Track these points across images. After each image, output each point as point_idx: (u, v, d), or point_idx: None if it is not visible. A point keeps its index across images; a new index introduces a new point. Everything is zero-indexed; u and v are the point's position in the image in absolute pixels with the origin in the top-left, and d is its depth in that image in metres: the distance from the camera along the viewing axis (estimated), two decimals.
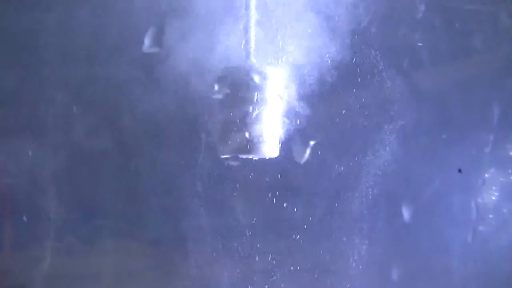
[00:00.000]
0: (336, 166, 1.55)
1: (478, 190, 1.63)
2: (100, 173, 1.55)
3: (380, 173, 1.56)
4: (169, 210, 1.56)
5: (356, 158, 1.55)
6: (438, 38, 1.59)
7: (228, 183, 1.53)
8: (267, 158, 1.42)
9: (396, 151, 1.56)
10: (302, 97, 1.50)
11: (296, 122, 1.49)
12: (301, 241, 1.55)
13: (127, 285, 1.56)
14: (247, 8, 1.42)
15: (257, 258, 1.54)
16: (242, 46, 1.42)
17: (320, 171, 1.55)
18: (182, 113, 1.50)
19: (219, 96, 1.41)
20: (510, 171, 1.65)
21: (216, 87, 1.41)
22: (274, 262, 1.54)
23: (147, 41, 1.47)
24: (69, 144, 1.53)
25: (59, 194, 1.52)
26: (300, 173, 1.53)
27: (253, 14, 1.42)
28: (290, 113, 1.48)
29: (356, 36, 1.52)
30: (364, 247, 1.56)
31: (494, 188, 1.64)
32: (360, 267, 1.56)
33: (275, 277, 1.54)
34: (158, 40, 1.47)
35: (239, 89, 1.38)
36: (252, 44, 1.42)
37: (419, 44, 1.57)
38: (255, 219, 1.53)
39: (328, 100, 1.53)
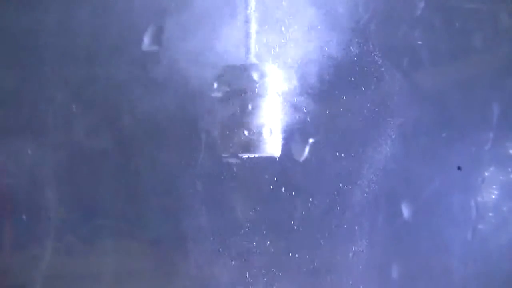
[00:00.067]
0: (336, 164, 1.55)
1: (478, 188, 1.63)
2: (100, 172, 1.55)
3: (380, 172, 1.56)
4: (169, 210, 1.56)
5: (356, 157, 1.55)
6: (437, 36, 1.59)
7: (228, 182, 1.53)
8: (267, 156, 1.42)
9: (396, 149, 1.56)
10: (301, 95, 1.50)
11: (295, 120, 1.49)
12: (301, 240, 1.55)
13: (127, 285, 1.56)
14: (246, 5, 1.42)
15: (257, 258, 1.53)
16: (242, 44, 1.42)
17: (320, 169, 1.55)
18: (182, 112, 1.50)
19: (219, 95, 1.41)
20: (510, 169, 1.65)
21: (215, 85, 1.42)
22: (274, 261, 1.54)
23: (146, 39, 1.47)
24: (69, 143, 1.54)
25: (59, 194, 1.52)
26: (299, 171, 1.53)
27: (253, 12, 1.42)
28: (290, 111, 1.48)
29: (355, 34, 1.52)
30: (363, 245, 1.56)
31: (494, 186, 1.63)
32: (360, 265, 1.56)
33: (275, 276, 1.54)
34: (157, 38, 1.47)
35: (239, 87, 1.39)
36: (252, 42, 1.42)
37: (419, 42, 1.57)
38: (255, 218, 1.53)
39: (328, 98, 1.53)
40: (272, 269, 1.54)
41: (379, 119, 1.55)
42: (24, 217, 1.52)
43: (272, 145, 1.41)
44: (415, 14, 1.56)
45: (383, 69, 1.54)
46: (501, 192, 1.64)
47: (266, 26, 1.46)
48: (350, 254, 1.56)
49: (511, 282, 1.64)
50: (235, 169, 1.51)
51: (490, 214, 1.64)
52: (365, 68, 1.53)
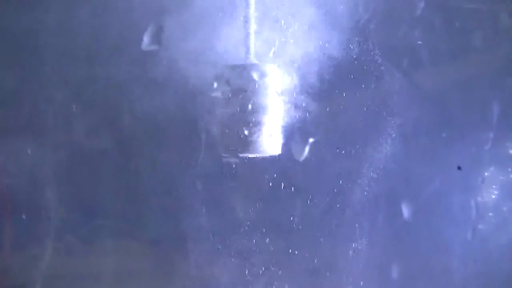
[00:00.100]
0: (336, 163, 1.55)
1: (478, 188, 1.63)
2: (100, 172, 1.55)
3: (380, 171, 1.56)
4: (169, 210, 1.56)
5: (356, 156, 1.55)
6: (437, 36, 1.59)
7: (228, 182, 1.53)
8: (267, 156, 1.42)
9: (396, 149, 1.56)
10: (301, 95, 1.50)
11: (295, 119, 1.49)
12: (301, 239, 1.55)
13: (127, 284, 1.56)
14: (246, 5, 1.42)
15: (257, 257, 1.53)
16: (242, 44, 1.42)
17: (320, 168, 1.55)
18: (182, 112, 1.50)
19: (219, 94, 1.41)
20: (510, 169, 1.65)
21: (215, 85, 1.42)
22: (274, 260, 1.54)
23: (146, 39, 1.47)
24: (69, 143, 1.54)
25: (59, 194, 1.52)
26: (299, 171, 1.53)
27: (253, 12, 1.42)
28: (290, 111, 1.48)
29: (356, 33, 1.52)
30: (363, 244, 1.56)
31: (494, 186, 1.63)
32: (360, 264, 1.56)
33: (275, 276, 1.54)
34: (157, 38, 1.47)
35: (239, 87, 1.39)
36: (252, 42, 1.42)
37: (419, 42, 1.57)
38: (255, 217, 1.53)
39: (328, 98, 1.53)
40: (272, 268, 1.54)
41: (379, 119, 1.55)
42: (24, 217, 1.52)
43: (272, 145, 1.41)
44: (415, 14, 1.56)
45: (383, 68, 1.54)
46: (501, 192, 1.64)
47: (266, 25, 1.46)
48: (350, 253, 1.56)
49: (511, 282, 1.64)
50: (235, 168, 1.51)
51: (490, 214, 1.64)
52: (365, 68, 1.53)
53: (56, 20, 1.50)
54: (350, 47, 1.51)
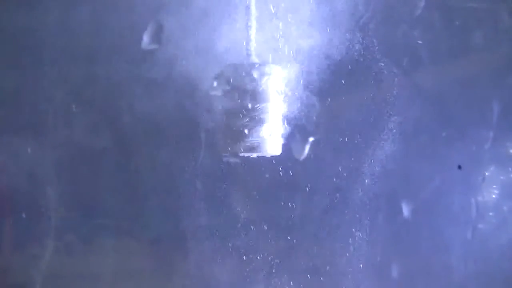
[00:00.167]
0: (336, 163, 1.55)
1: (478, 188, 1.63)
2: (99, 172, 1.55)
3: (380, 171, 1.56)
4: (169, 209, 1.56)
5: (356, 155, 1.55)
6: (438, 35, 1.59)
7: (228, 181, 1.53)
8: (268, 155, 1.42)
9: (396, 148, 1.56)
10: (301, 94, 1.50)
11: (295, 119, 1.49)
12: (301, 239, 1.55)
13: (127, 284, 1.56)
14: (247, 4, 1.42)
15: (257, 256, 1.53)
16: (242, 43, 1.42)
17: (320, 168, 1.55)
18: (182, 111, 1.50)
19: (219, 94, 1.41)
20: (510, 169, 1.65)
21: (215, 84, 1.41)
22: (274, 259, 1.54)
23: (146, 38, 1.47)
24: (69, 143, 1.53)
25: (59, 193, 1.52)
26: (299, 170, 1.53)
27: (253, 11, 1.42)
28: (290, 110, 1.48)
29: (356, 33, 1.52)
30: (363, 244, 1.56)
31: (494, 186, 1.63)
32: (360, 264, 1.56)
33: (275, 275, 1.54)
34: (157, 37, 1.47)
35: (239, 86, 1.38)
36: (253, 41, 1.42)
37: (419, 42, 1.57)
38: (255, 217, 1.53)
39: (328, 97, 1.53)
40: (272, 267, 1.54)
41: (379, 118, 1.55)
42: (24, 216, 1.51)
43: (272, 144, 1.41)
44: (416, 13, 1.56)
45: (383, 68, 1.54)
46: (501, 192, 1.64)
47: (267, 25, 1.46)
48: (350, 252, 1.56)
49: (511, 281, 1.64)
50: (235, 168, 1.51)
51: (490, 213, 1.64)
52: (366, 67, 1.53)
53: (56, 20, 1.50)
54: (351, 46, 1.51)
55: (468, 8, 1.60)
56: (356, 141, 1.55)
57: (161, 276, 1.56)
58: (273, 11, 1.47)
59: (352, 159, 1.55)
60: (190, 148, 1.51)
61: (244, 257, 1.53)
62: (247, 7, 1.42)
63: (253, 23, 1.42)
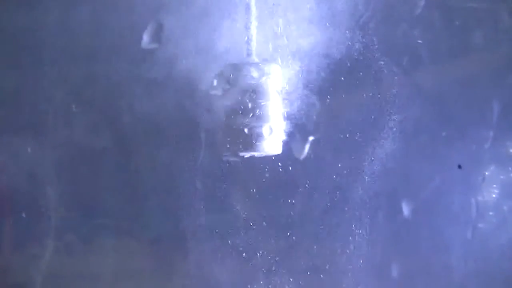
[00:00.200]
0: (336, 162, 1.55)
1: (478, 187, 1.63)
2: (99, 171, 1.55)
3: (380, 170, 1.56)
4: (169, 209, 1.56)
5: (356, 155, 1.55)
6: (438, 35, 1.59)
7: (228, 180, 1.53)
8: (268, 154, 1.42)
9: (396, 147, 1.56)
10: (301, 93, 1.50)
11: (295, 118, 1.49)
12: (301, 237, 1.55)
13: (127, 283, 1.56)
14: (247, 4, 1.42)
15: (257, 256, 1.53)
16: (242, 42, 1.43)
17: (320, 167, 1.55)
18: (182, 111, 1.50)
19: (219, 93, 1.41)
20: (510, 168, 1.65)
21: (215, 84, 1.42)
22: (274, 258, 1.54)
23: (146, 37, 1.47)
24: (69, 142, 1.54)
25: (59, 193, 1.52)
26: (299, 169, 1.53)
27: (254, 10, 1.42)
28: (290, 109, 1.48)
29: (356, 32, 1.52)
30: (363, 243, 1.56)
31: (494, 185, 1.63)
32: (360, 263, 1.56)
33: (275, 274, 1.54)
34: (157, 36, 1.47)
35: (239, 86, 1.39)
36: (253, 41, 1.42)
37: (419, 41, 1.57)
38: (254, 216, 1.53)
39: (328, 96, 1.53)
40: (272, 266, 1.54)
41: (379, 117, 1.55)
42: (24, 216, 1.52)
43: (272, 144, 1.41)
44: (416, 12, 1.56)
45: (383, 67, 1.54)
46: (501, 191, 1.64)
47: (267, 24, 1.46)
48: (350, 251, 1.56)
49: (511, 281, 1.64)
50: (235, 167, 1.51)
51: (491, 213, 1.64)
52: (366, 66, 1.53)
53: (55, 20, 1.50)
54: (351, 45, 1.52)
55: (468, 8, 1.60)
56: (356, 140, 1.55)
57: (161, 275, 1.56)
58: (273, 11, 1.47)
59: (352, 158, 1.55)
60: (190, 148, 1.51)
61: (244, 256, 1.53)
62: (247, 7, 1.42)
63: (253, 23, 1.43)
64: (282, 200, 1.53)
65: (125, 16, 1.47)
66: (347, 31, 1.51)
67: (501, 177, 1.64)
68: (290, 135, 1.49)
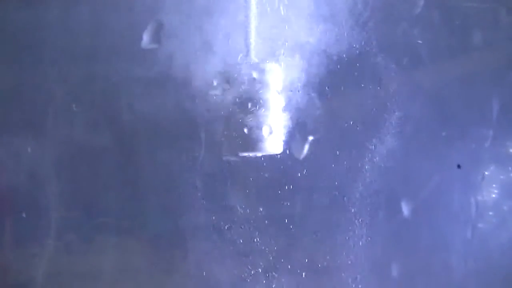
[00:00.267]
0: (335, 162, 1.55)
1: (478, 187, 1.63)
2: (100, 171, 1.55)
3: (380, 170, 1.56)
4: (169, 208, 1.56)
5: (355, 154, 1.55)
6: (437, 34, 1.59)
7: (228, 180, 1.53)
8: (267, 154, 1.42)
9: (396, 147, 1.56)
10: (301, 93, 1.50)
11: (295, 117, 1.49)
12: (301, 238, 1.55)
13: (127, 282, 1.56)
14: (247, 3, 1.42)
15: (257, 254, 1.53)
16: (242, 42, 1.43)
17: (319, 167, 1.55)
18: (182, 111, 1.50)
19: (219, 93, 1.41)
20: (510, 168, 1.65)
21: (215, 84, 1.42)
22: (274, 258, 1.54)
23: (146, 37, 1.47)
24: (69, 142, 1.53)
25: (59, 192, 1.52)
26: (299, 169, 1.53)
27: (253, 10, 1.42)
28: (289, 109, 1.49)
29: (356, 31, 1.52)
30: (363, 242, 1.56)
31: (494, 185, 1.64)
32: (360, 262, 1.56)
33: (275, 274, 1.54)
34: (157, 36, 1.47)
35: (239, 86, 1.39)
36: (252, 41, 1.42)
37: (419, 41, 1.57)
38: (254, 216, 1.53)
39: (328, 96, 1.53)
40: (272, 266, 1.54)
41: (379, 117, 1.55)
42: (24, 215, 1.52)
43: (272, 143, 1.41)
44: (415, 12, 1.56)
45: (383, 67, 1.54)
46: (501, 191, 1.64)
47: (267, 24, 1.46)
48: (350, 251, 1.56)
49: (511, 280, 1.64)
50: (235, 167, 1.51)
51: (490, 212, 1.64)
52: (366, 66, 1.53)
53: (55, 19, 1.50)
54: (350, 45, 1.52)
55: (468, 7, 1.61)
56: (355, 140, 1.55)
57: (161, 274, 1.56)
58: (273, 10, 1.47)
59: (352, 158, 1.55)
60: (190, 148, 1.51)
61: (244, 256, 1.53)
62: (247, 7, 1.42)
63: (253, 23, 1.43)
64: (282, 200, 1.53)
65: (125, 16, 1.47)
66: (347, 31, 1.51)
67: (501, 176, 1.64)
68: (290, 135, 1.49)
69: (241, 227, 1.53)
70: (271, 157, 1.48)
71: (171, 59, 1.46)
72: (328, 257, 1.56)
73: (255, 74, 1.38)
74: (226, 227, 1.53)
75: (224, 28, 1.46)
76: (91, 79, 1.51)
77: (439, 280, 1.63)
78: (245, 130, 1.38)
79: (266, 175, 1.52)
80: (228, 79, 1.39)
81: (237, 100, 1.39)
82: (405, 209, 1.59)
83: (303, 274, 1.55)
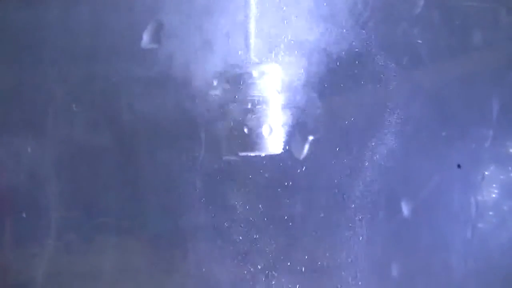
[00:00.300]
0: (336, 162, 1.55)
1: (478, 187, 1.63)
2: (100, 171, 1.55)
3: (380, 169, 1.56)
4: (169, 208, 1.56)
5: (355, 154, 1.55)
6: (437, 34, 1.59)
7: (228, 180, 1.53)
8: (267, 154, 1.42)
9: (396, 147, 1.56)
10: (301, 93, 1.50)
11: (295, 117, 1.49)
12: (301, 237, 1.55)
13: (128, 282, 1.56)
14: (247, 3, 1.42)
15: (257, 255, 1.53)
16: (242, 42, 1.43)
17: (320, 167, 1.55)
18: (182, 111, 1.50)
19: (219, 93, 1.41)
20: (510, 168, 1.65)
21: (215, 83, 1.42)
22: (274, 258, 1.54)
23: (146, 37, 1.47)
24: (69, 142, 1.53)
25: (59, 192, 1.52)
26: (299, 169, 1.53)
27: (253, 10, 1.42)
28: (289, 109, 1.49)
29: (356, 31, 1.52)
30: (363, 243, 1.56)
31: (494, 185, 1.64)
32: (360, 262, 1.56)
33: (275, 273, 1.54)
34: (157, 36, 1.47)
35: (239, 86, 1.39)
36: (252, 40, 1.42)
37: (419, 41, 1.57)
38: (254, 215, 1.53)
39: (328, 96, 1.53)
40: (272, 266, 1.54)
41: (379, 117, 1.55)
42: (24, 215, 1.52)
43: (272, 143, 1.41)
44: (415, 12, 1.56)
45: (383, 66, 1.54)
46: (501, 191, 1.64)
47: (267, 24, 1.46)
48: (350, 251, 1.56)
49: (511, 280, 1.64)
50: (235, 167, 1.51)
51: (490, 212, 1.64)
52: (366, 66, 1.53)
53: (55, 19, 1.50)
54: (350, 44, 1.52)
55: (468, 7, 1.61)
56: (356, 140, 1.55)
57: (161, 274, 1.56)
58: (273, 10, 1.47)
59: (352, 158, 1.55)
60: (190, 147, 1.51)
61: (244, 255, 1.53)
62: (247, 6, 1.42)
63: (253, 23, 1.43)
64: (282, 200, 1.53)
65: (125, 16, 1.47)
66: (347, 31, 1.51)
67: (501, 176, 1.64)
68: (290, 135, 1.49)
69: (241, 227, 1.53)
70: (271, 157, 1.48)
71: (171, 59, 1.46)
72: (328, 257, 1.56)
73: (255, 74, 1.38)
74: (226, 227, 1.53)
75: (224, 28, 1.46)
76: (91, 79, 1.51)
77: (439, 280, 1.63)
78: (245, 130, 1.38)
79: (266, 175, 1.52)
80: (228, 79, 1.40)
81: (237, 99, 1.39)
82: (405, 209, 1.59)
83: (303, 273, 1.55)
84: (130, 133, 1.53)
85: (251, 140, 1.39)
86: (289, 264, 1.55)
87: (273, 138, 1.41)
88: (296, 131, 1.51)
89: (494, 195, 1.63)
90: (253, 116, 1.38)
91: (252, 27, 1.42)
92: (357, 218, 1.56)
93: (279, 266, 1.54)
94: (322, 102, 1.52)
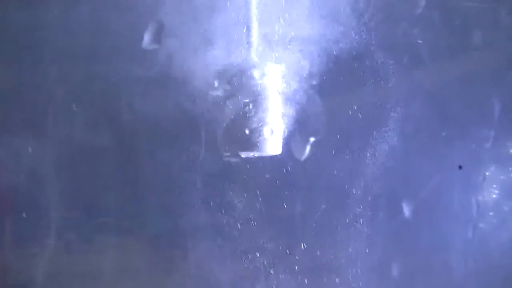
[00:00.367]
0: (336, 162, 1.55)
1: (478, 187, 1.63)
2: (100, 171, 1.55)
3: (381, 170, 1.56)
4: (169, 208, 1.56)
5: (356, 155, 1.55)
6: (438, 34, 1.59)
7: (229, 181, 1.53)
8: (268, 155, 1.42)
9: (396, 147, 1.56)
10: (302, 94, 1.50)
11: (296, 118, 1.49)
12: (301, 238, 1.55)
13: (128, 282, 1.56)
14: (247, 4, 1.42)
15: (257, 255, 1.54)
16: (243, 43, 1.42)
17: (320, 167, 1.55)
18: (183, 111, 1.50)
19: (219, 93, 1.41)
20: (510, 168, 1.65)
21: (216, 84, 1.42)
22: (274, 258, 1.54)
23: (146, 37, 1.47)
24: (69, 142, 1.53)
25: (59, 192, 1.52)
26: (300, 170, 1.53)
27: (254, 10, 1.42)
28: (290, 110, 1.48)
29: (356, 32, 1.52)
30: (364, 243, 1.56)
31: (494, 186, 1.64)
32: (360, 262, 1.56)
33: (275, 273, 1.54)
34: (157, 36, 1.47)
35: (240, 86, 1.39)
36: (253, 41, 1.42)
37: (419, 41, 1.57)
38: (255, 216, 1.53)
39: (328, 96, 1.53)
40: (272, 266, 1.54)
41: (380, 117, 1.55)
42: (24, 215, 1.51)
43: (273, 144, 1.41)
44: (416, 12, 1.56)
45: (383, 67, 1.54)
46: (501, 192, 1.64)
47: (267, 24, 1.46)
48: (351, 252, 1.56)
49: (511, 280, 1.65)
50: (235, 168, 1.51)
51: (491, 213, 1.64)
52: (366, 66, 1.53)
53: (56, 19, 1.49)
54: (351, 45, 1.52)
55: (468, 7, 1.61)
56: (357, 141, 1.55)
57: (161, 274, 1.57)
58: (274, 11, 1.47)
59: (353, 158, 1.55)
60: (191, 147, 1.51)
61: (244, 256, 1.53)
62: (248, 6, 1.42)
63: (254, 23, 1.42)
64: (282, 201, 1.53)
65: (125, 16, 1.47)
66: (348, 31, 1.51)
67: (502, 177, 1.64)
68: (291, 136, 1.49)
69: (241, 227, 1.53)
70: (272, 158, 1.48)
71: (171, 59, 1.46)
72: (328, 257, 1.56)
73: (256, 75, 1.38)
74: (226, 227, 1.53)
75: (224, 28, 1.45)
76: (91, 79, 1.51)
77: (439, 280, 1.63)
78: (246, 131, 1.38)
79: (267, 175, 1.52)
80: (228, 79, 1.39)
81: (237, 100, 1.39)
82: (406, 209, 1.59)
83: (304, 274, 1.55)
84: (130, 133, 1.53)
85: (252, 141, 1.38)
86: (289, 264, 1.55)
87: (274, 139, 1.41)
88: (297, 132, 1.50)
89: (494, 196, 1.64)
90: (254, 117, 1.38)
91: (253, 27, 1.42)
92: (357, 218, 1.56)
93: (279, 267, 1.54)
94: (323, 102, 1.52)
